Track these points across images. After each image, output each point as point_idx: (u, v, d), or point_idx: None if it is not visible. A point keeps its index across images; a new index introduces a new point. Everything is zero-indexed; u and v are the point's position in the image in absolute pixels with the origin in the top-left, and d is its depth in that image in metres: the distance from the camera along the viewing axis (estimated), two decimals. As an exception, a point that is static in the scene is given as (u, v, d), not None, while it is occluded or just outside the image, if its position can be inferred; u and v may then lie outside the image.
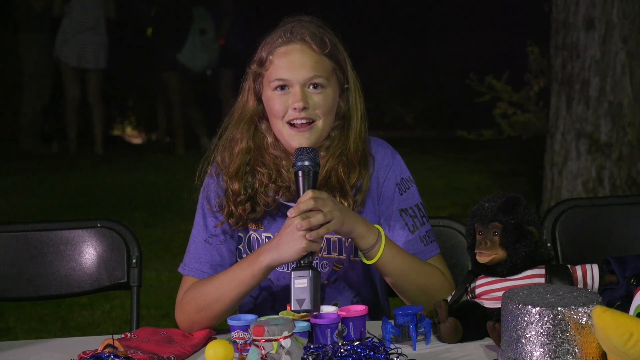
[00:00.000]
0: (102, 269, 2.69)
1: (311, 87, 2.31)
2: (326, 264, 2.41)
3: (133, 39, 10.16)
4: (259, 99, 2.39)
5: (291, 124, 2.32)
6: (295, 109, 2.29)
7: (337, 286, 2.43)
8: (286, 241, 2.16)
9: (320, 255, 2.39)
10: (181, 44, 9.64)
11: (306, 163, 2.18)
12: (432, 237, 2.42)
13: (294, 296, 2.09)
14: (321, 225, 2.15)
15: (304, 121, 2.31)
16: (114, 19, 9.65)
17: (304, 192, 2.18)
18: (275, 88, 2.32)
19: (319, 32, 2.35)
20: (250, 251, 2.40)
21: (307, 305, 2.08)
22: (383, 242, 2.26)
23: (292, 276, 2.11)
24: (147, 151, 10.43)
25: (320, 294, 2.39)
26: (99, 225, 2.72)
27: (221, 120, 2.46)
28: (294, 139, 2.32)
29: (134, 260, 2.68)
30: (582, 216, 2.80)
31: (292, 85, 2.31)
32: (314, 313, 2.10)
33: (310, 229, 2.14)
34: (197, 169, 2.45)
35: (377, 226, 2.28)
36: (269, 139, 2.40)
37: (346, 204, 2.31)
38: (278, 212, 2.39)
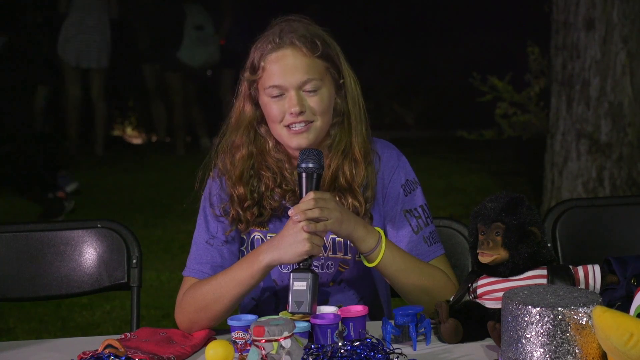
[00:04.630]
0: (102, 270, 2.69)
1: (306, 90, 2.32)
2: (331, 265, 2.41)
3: (132, 39, 10.13)
4: (255, 104, 2.39)
5: (287, 127, 2.32)
6: (292, 113, 2.30)
7: (342, 287, 2.43)
8: (288, 242, 2.16)
9: (325, 255, 2.39)
10: (178, 42, 9.63)
11: (310, 165, 2.19)
12: (437, 238, 2.42)
13: (292, 298, 2.10)
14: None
15: (302, 125, 2.31)
16: (117, 18, 9.63)
17: (306, 193, 2.18)
18: (271, 94, 2.32)
19: (309, 32, 2.34)
20: (254, 252, 2.39)
21: (304, 308, 2.08)
22: (384, 245, 2.26)
23: (292, 278, 2.11)
24: (148, 151, 10.42)
25: (325, 295, 2.40)
26: (99, 225, 2.72)
27: (220, 122, 2.46)
28: (293, 140, 2.32)
29: (134, 261, 2.68)
30: (583, 216, 2.80)
31: (287, 91, 2.31)
32: (310, 316, 2.11)
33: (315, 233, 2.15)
34: (197, 173, 2.45)
35: (378, 229, 2.28)
36: (270, 143, 2.40)
37: (357, 204, 2.32)
38: (284, 214, 2.38)
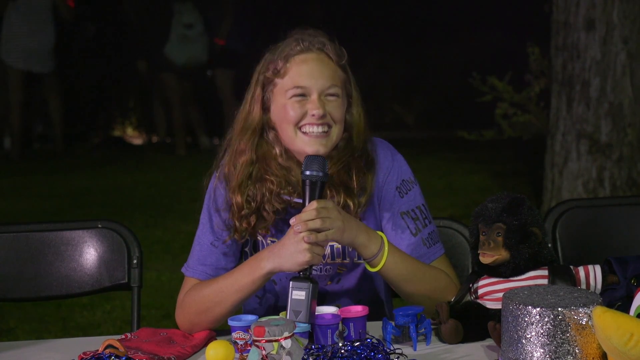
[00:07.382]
0: (102, 270, 2.69)
1: (328, 95, 2.32)
2: (330, 268, 2.41)
3: (131, 38, 10.13)
4: (264, 109, 2.37)
5: (304, 132, 2.30)
6: (313, 115, 2.28)
7: (340, 287, 2.43)
8: (289, 252, 2.15)
9: (324, 262, 2.39)
10: (165, 40, 9.61)
11: (314, 173, 2.17)
12: (436, 238, 2.41)
13: (290, 306, 2.10)
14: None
15: (319, 129, 2.30)
16: (69, 19, 9.46)
17: (309, 202, 2.17)
18: (292, 96, 2.31)
19: (333, 43, 2.36)
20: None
21: (302, 318, 2.09)
22: (386, 250, 2.25)
23: (291, 286, 2.11)
24: (148, 152, 10.42)
25: (323, 293, 2.39)
26: (99, 225, 2.72)
27: (220, 122, 2.45)
28: (309, 146, 2.30)
29: (135, 261, 2.68)
30: (583, 217, 2.80)
31: (311, 94, 2.30)
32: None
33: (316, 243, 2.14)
34: (197, 171, 2.45)
35: (380, 233, 2.27)
36: (277, 150, 2.37)
37: (351, 203, 2.31)
38: (287, 216, 2.36)
